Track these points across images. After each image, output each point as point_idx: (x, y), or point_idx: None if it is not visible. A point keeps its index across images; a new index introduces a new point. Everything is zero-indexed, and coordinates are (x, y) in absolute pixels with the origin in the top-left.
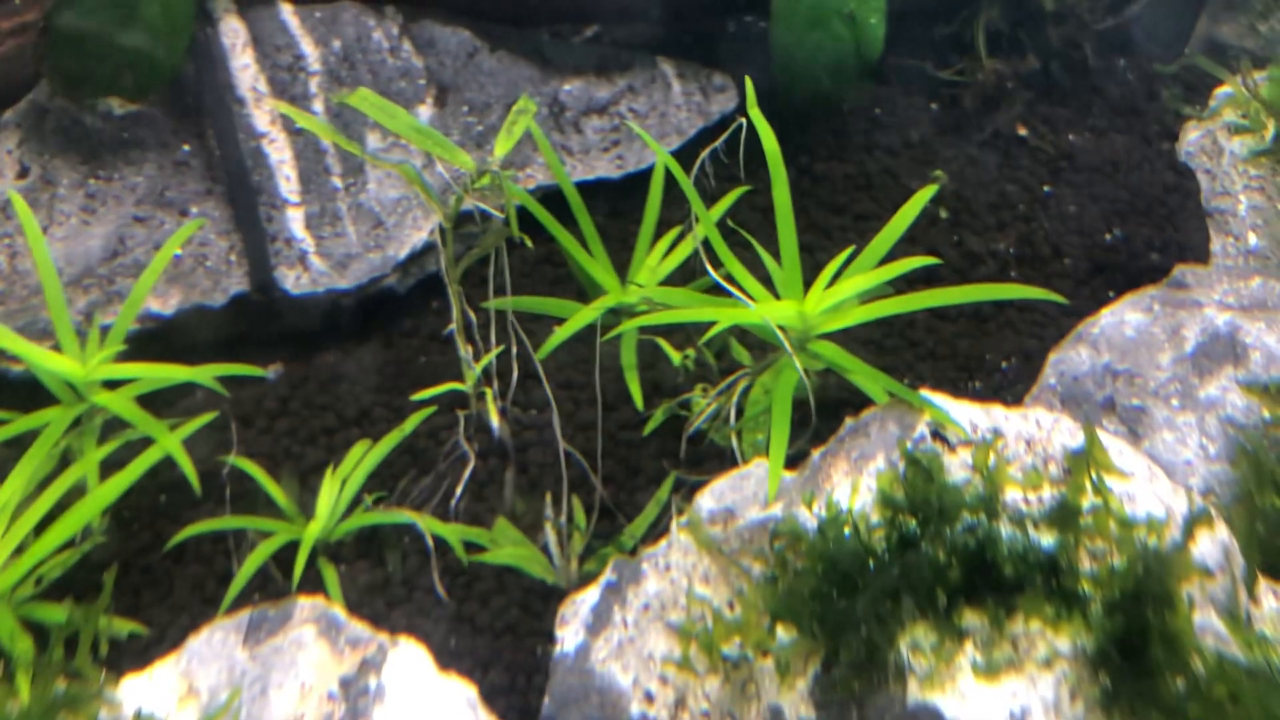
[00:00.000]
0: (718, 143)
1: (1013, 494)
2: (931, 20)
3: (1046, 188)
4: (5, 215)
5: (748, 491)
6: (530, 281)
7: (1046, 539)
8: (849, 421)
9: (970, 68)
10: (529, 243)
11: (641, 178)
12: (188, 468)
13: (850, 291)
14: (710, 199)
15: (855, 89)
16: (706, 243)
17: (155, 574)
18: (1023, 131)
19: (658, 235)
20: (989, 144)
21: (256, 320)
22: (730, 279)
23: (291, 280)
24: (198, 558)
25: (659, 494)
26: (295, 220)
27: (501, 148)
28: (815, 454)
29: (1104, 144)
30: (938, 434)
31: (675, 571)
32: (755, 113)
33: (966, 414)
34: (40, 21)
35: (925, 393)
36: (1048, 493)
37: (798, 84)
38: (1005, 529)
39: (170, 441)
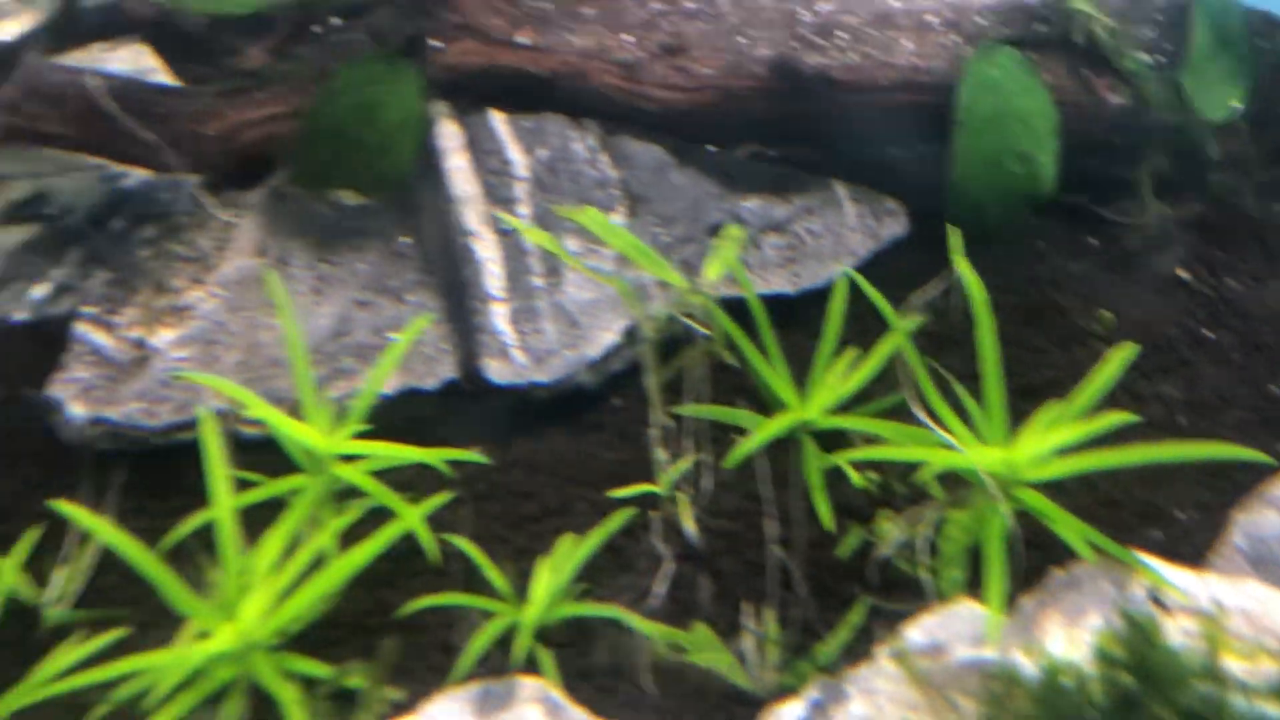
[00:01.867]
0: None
1: (1233, 664)
2: (1096, 159)
3: (1209, 333)
4: (245, 287)
5: (956, 629)
6: (709, 389)
7: (1273, 710)
8: (1059, 574)
9: (1133, 208)
10: (728, 357)
11: (814, 295)
12: (428, 542)
13: (1058, 442)
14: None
15: (1022, 222)
16: (890, 367)
17: (377, 638)
18: (1184, 275)
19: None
20: (1151, 285)
21: (460, 406)
22: (932, 415)
23: (495, 371)
24: (417, 627)
25: (851, 617)
26: (500, 315)
27: (713, 271)
28: (1026, 601)
29: (1265, 292)
30: (1155, 598)
31: (881, 698)
32: (962, 264)
33: (1182, 580)
34: (287, 116)
35: (1139, 554)
36: (1267, 666)
37: (968, 214)
38: (1234, 699)
39: (412, 517)
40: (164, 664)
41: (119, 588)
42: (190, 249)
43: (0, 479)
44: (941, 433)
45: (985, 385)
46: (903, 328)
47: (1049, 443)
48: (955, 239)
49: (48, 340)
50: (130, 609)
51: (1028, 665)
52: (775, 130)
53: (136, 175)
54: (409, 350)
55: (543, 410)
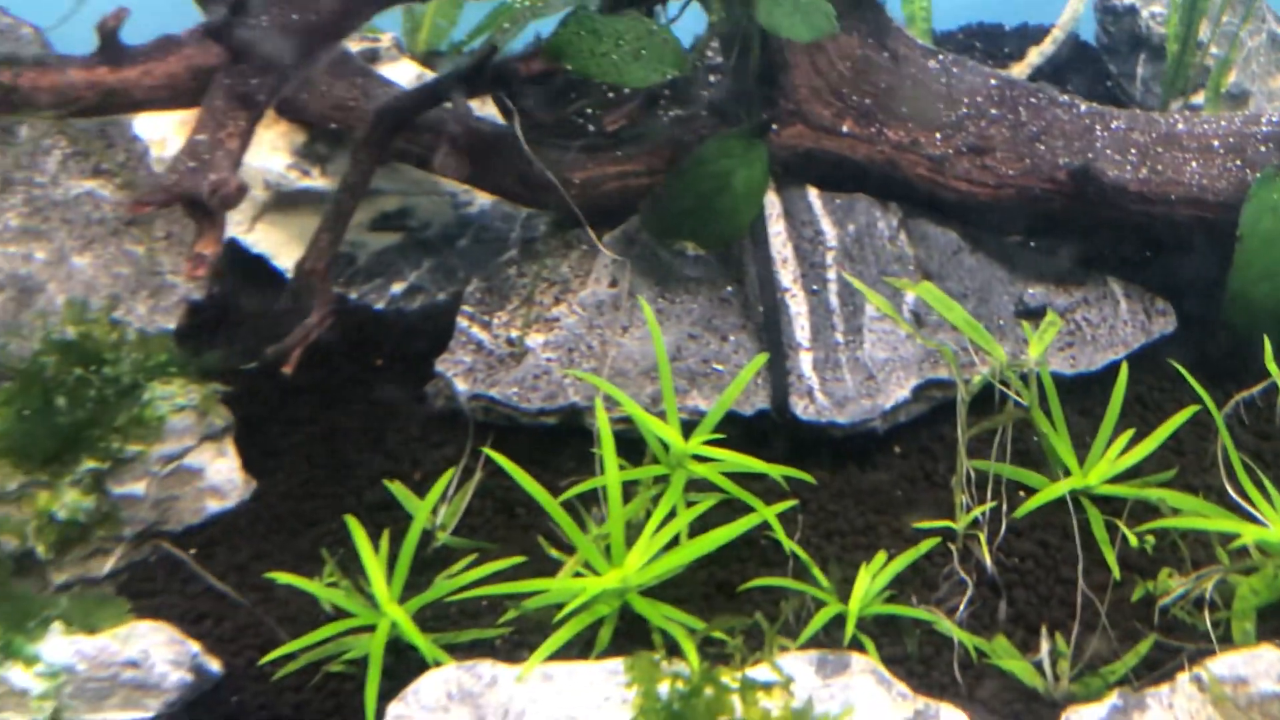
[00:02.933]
0: None
1: None
2: None
3: None
4: (599, 310)
5: (1260, 668)
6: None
7: None
8: None
9: None
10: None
11: (1087, 378)
12: (782, 535)
13: None
14: (1151, 409)
15: None
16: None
17: (715, 607)
18: None
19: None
20: None
21: (769, 433)
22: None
23: (801, 408)
24: (751, 603)
25: (1138, 648)
26: (806, 362)
27: (1035, 350)
28: None
29: None
30: None
31: (1180, 712)
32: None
33: None
34: (640, 174)
35: None
36: None
37: (1244, 322)
38: None
39: (768, 512)
40: (562, 589)
41: (481, 527)
42: (553, 274)
43: (394, 436)
44: (1246, 506)
45: None
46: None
47: None
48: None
49: (403, 326)
50: (499, 544)
51: None
52: (1064, 228)
53: (480, 203)
54: (730, 379)
55: (837, 447)
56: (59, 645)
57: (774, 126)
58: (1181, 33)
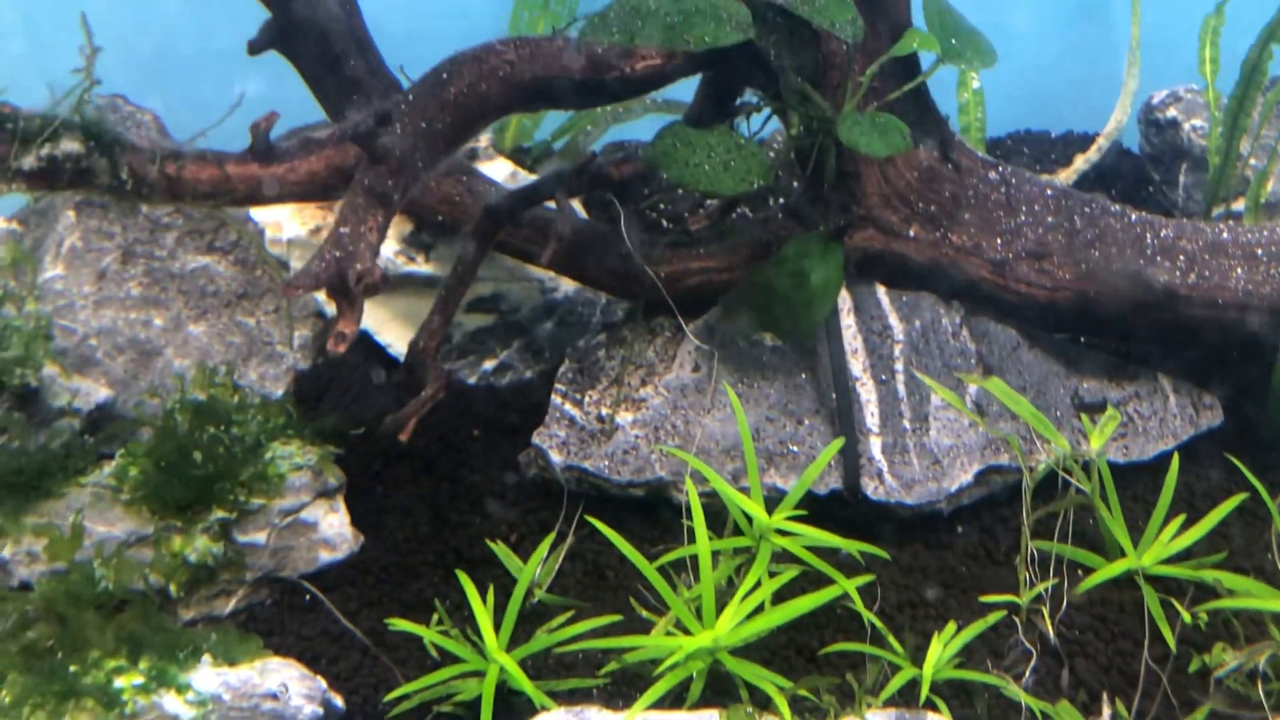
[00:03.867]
0: None
1: None
2: None
3: None
4: (683, 393)
5: None
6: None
7: None
8: None
9: None
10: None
11: (1138, 467)
12: (860, 606)
13: None
14: (1200, 497)
15: None
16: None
17: (801, 673)
18: None
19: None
20: None
21: (840, 511)
22: None
23: (871, 489)
24: (830, 666)
25: (1196, 714)
26: (875, 446)
27: (1096, 442)
28: None
29: None
30: None
31: None
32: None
33: None
34: (720, 270)
35: None
36: None
37: None
38: None
39: (848, 585)
40: (660, 646)
41: (573, 587)
42: (639, 358)
43: (491, 500)
44: None
45: None
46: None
47: None
48: None
49: (494, 400)
50: (590, 603)
51: None
52: (1118, 329)
53: (564, 289)
54: (805, 460)
55: (904, 525)
56: (207, 676)
57: (847, 229)
58: (1223, 146)
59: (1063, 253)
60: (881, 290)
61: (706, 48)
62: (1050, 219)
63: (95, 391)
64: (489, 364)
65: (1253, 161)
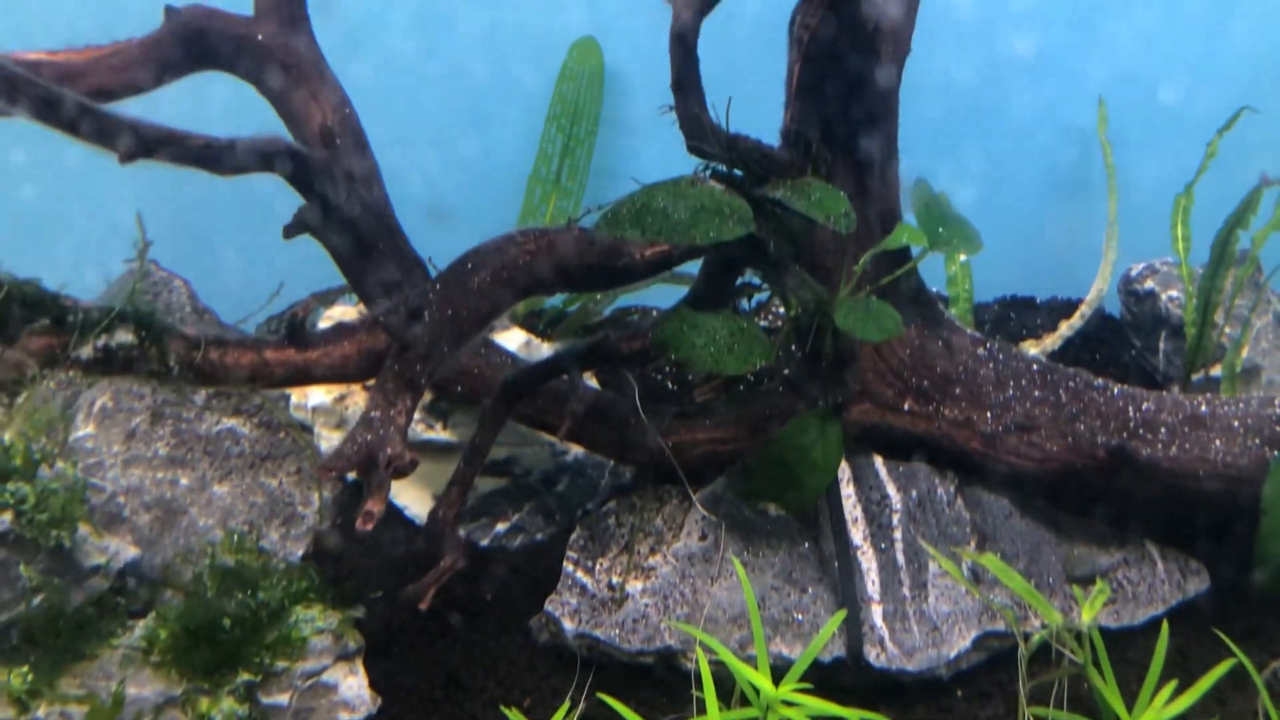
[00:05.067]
0: None
1: None
2: None
3: None
4: (691, 562)
5: None
6: (1047, 695)
7: None
8: None
9: None
10: (1098, 680)
11: (1127, 632)
12: None
13: None
14: (1191, 661)
15: None
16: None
17: None
18: None
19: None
20: None
21: (843, 678)
22: None
23: (873, 656)
24: None
25: None
26: (876, 613)
27: (1087, 615)
28: None
29: None
30: None
31: None
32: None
33: None
34: (725, 441)
35: None
36: None
37: (1271, 582)
38: None
39: None
40: None
41: None
42: (648, 525)
43: (504, 664)
44: None
45: None
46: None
47: None
48: None
49: (506, 563)
50: None
51: None
52: (1104, 499)
53: (575, 452)
54: (809, 628)
55: (905, 691)
56: None
57: (844, 404)
58: (1198, 319)
59: (1049, 426)
60: (879, 460)
61: (712, 243)
62: (1037, 393)
63: (124, 550)
64: (501, 526)
65: (1228, 330)
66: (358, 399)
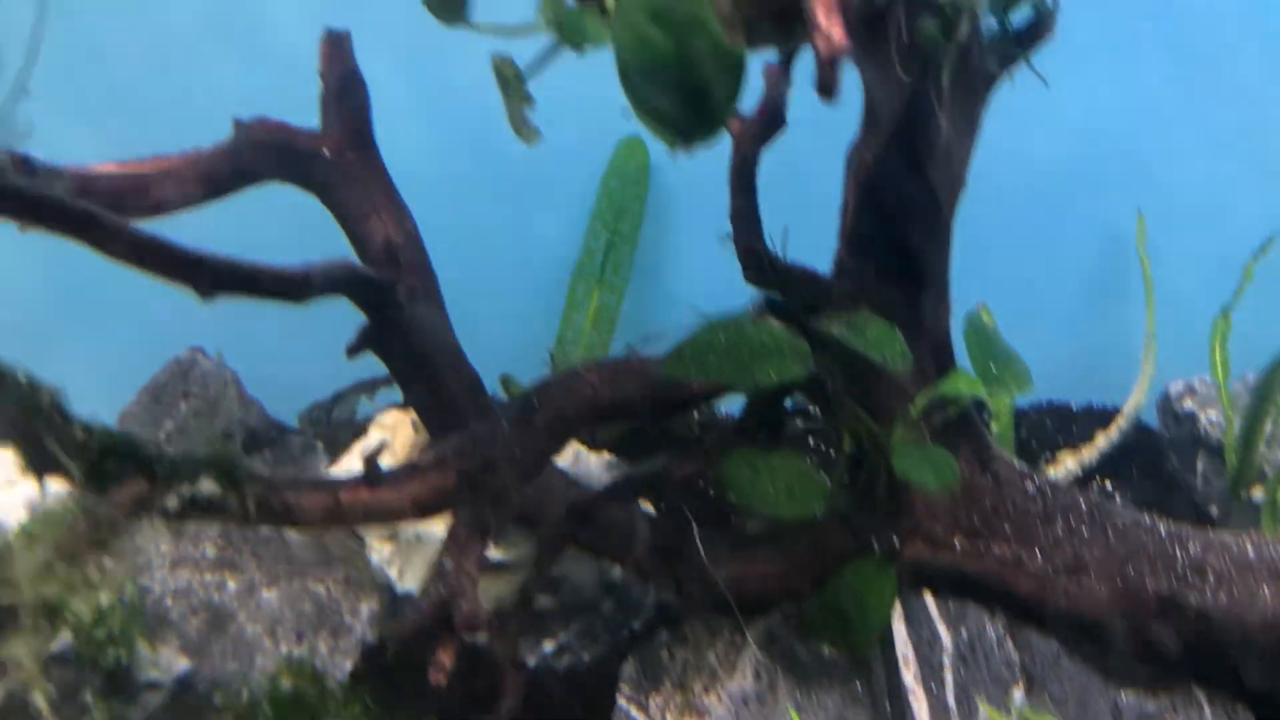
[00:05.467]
0: None
1: None
2: None
3: None
4: (745, 703)
5: None
6: None
7: None
8: None
9: None
10: None
11: None
12: None
13: None
14: None
15: None
16: None
17: None
18: None
19: None
20: None
21: None
22: None
23: None
24: None
25: None
26: None
27: None
28: None
29: None
30: None
31: None
32: None
33: None
34: (778, 576)
35: None
36: None
37: None
38: None
39: None
40: None
41: None
42: (701, 661)
43: None
44: None
45: None
46: None
47: None
48: None
49: (555, 685)
50: None
51: None
52: (1152, 645)
53: (619, 570)
54: None
55: None
56: None
57: (898, 544)
58: (1239, 446)
59: (1098, 568)
60: (930, 598)
61: (773, 384)
62: (1085, 531)
63: (176, 662)
64: (549, 645)
65: (1268, 454)
66: None
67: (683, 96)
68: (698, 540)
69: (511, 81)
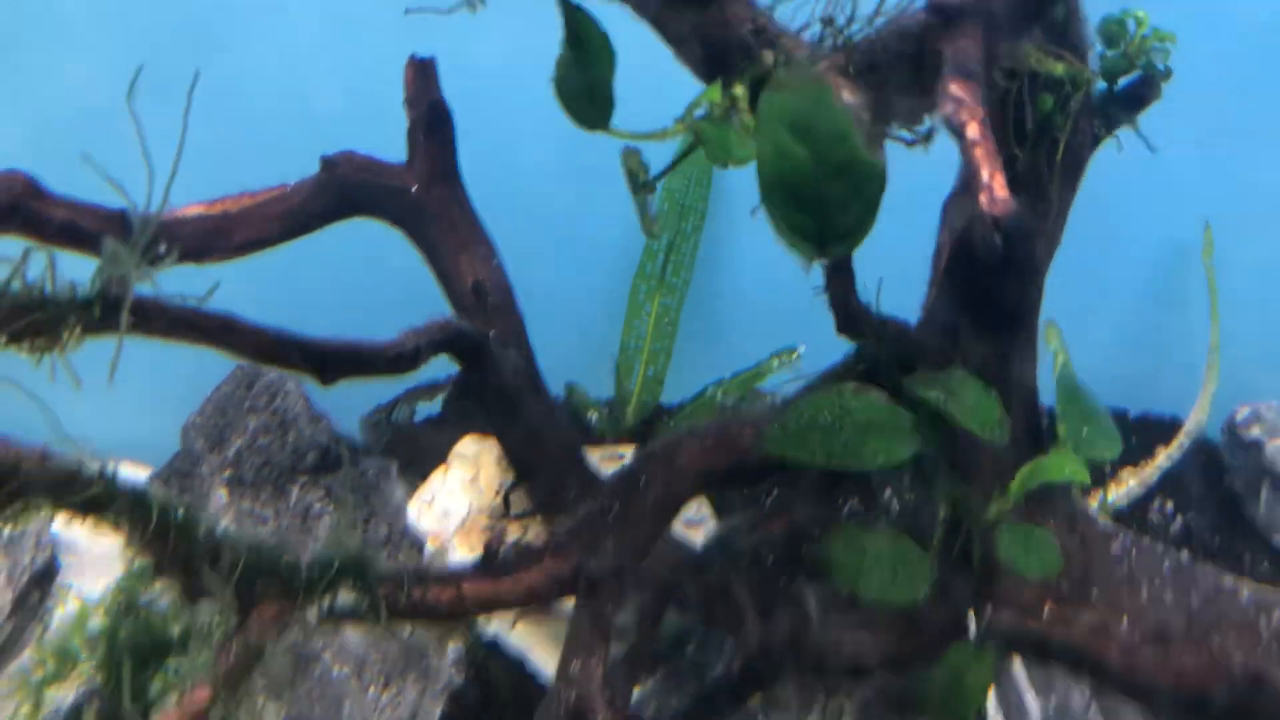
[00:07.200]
0: None
1: None
2: None
3: None
4: None
5: None
6: None
7: None
8: None
9: None
10: None
11: None
12: None
13: None
14: None
15: None
16: None
17: None
18: None
19: None
20: None
21: None
22: None
23: None
24: None
25: None
26: None
27: None
28: None
29: None
30: None
31: None
32: None
33: None
34: (879, 646)
35: None
36: None
37: None
38: None
39: None
40: None
41: None
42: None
43: None
44: None
45: None
46: None
47: None
48: None
49: None
50: None
51: None
52: (1235, 715)
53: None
54: None
55: None
56: None
57: (993, 615)
58: None
59: (1183, 637)
60: (1018, 665)
61: (879, 467)
62: (1169, 597)
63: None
64: (636, 692)
65: None
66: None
67: (824, 211)
68: (811, 605)
69: (639, 176)
